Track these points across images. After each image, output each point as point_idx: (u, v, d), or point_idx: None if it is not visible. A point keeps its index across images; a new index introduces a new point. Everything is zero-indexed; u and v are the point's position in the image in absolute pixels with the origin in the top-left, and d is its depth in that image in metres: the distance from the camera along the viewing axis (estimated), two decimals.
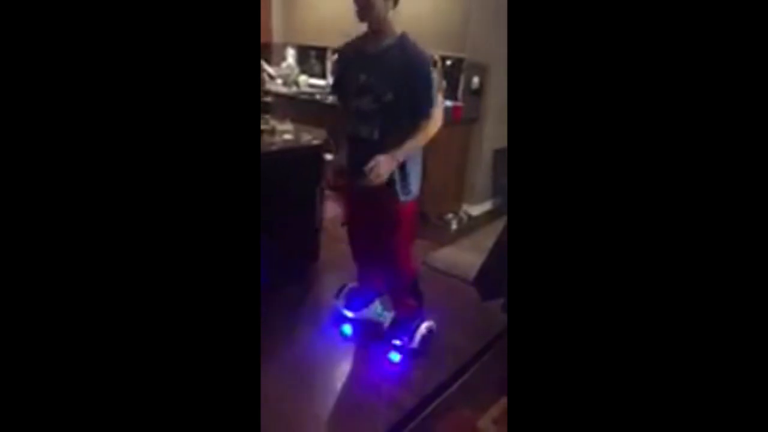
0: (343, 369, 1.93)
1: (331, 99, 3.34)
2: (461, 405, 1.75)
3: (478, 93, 3.34)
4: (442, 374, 1.88)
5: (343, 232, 2.04)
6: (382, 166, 1.57)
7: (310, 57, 4.30)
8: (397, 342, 1.95)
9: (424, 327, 1.97)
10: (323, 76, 4.20)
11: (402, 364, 1.92)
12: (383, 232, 1.82)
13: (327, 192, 2.58)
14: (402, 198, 1.73)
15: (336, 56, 2.53)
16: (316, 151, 2.36)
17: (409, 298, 1.99)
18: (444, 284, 2.61)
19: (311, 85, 4.11)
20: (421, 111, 1.64)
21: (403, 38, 1.63)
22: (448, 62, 3.28)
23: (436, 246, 3.03)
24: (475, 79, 3.31)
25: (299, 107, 3.64)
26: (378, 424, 1.64)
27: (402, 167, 1.68)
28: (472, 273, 2.14)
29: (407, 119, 1.65)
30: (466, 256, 2.77)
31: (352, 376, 1.88)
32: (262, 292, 0.77)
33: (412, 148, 1.67)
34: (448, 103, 3.22)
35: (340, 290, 2.16)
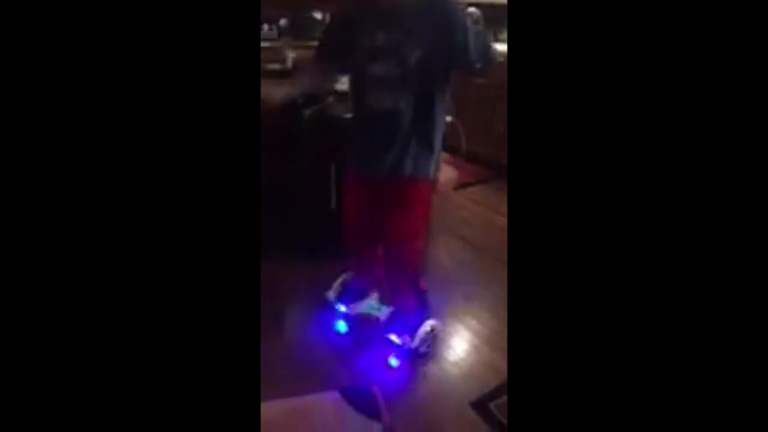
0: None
1: None
2: None
3: None
4: None
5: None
6: None
7: None
8: (397, 340, 1.69)
9: (428, 325, 1.73)
10: None
11: (401, 369, 1.66)
12: (404, 212, 1.60)
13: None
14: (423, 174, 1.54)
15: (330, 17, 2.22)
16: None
17: (411, 293, 1.77)
18: None
19: None
20: (469, 71, 1.43)
21: None
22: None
23: None
24: None
25: None
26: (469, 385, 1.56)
27: (428, 140, 1.49)
28: None
29: (441, 83, 1.46)
30: None
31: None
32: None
33: None
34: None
35: (336, 282, 1.90)
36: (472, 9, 2.00)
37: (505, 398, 1.54)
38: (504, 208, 2.86)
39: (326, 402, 1.45)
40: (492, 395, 1.55)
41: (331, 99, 2.07)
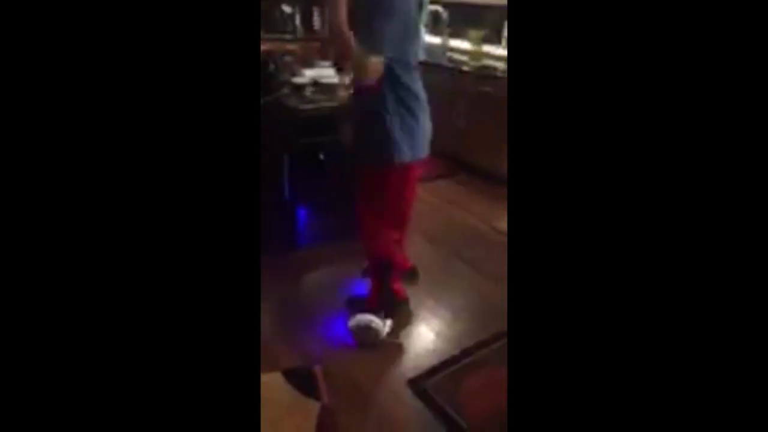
0: None
1: None
2: (497, 363, 1.69)
3: None
4: (487, 333, 1.83)
5: None
6: None
7: None
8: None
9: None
10: None
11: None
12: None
13: None
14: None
15: None
16: None
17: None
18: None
19: None
20: None
21: None
22: None
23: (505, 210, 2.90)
24: None
25: None
26: (409, 368, 1.64)
27: (379, 123, 1.51)
28: None
29: None
30: None
31: None
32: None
33: None
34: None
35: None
36: (436, 7, 2.01)
37: (439, 377, 1.61)
38: (462, 202, 2.95)
39: (269, 382, 1.50)
40: (428, 374, 1.62)
41: (285, 90, 2.11)
